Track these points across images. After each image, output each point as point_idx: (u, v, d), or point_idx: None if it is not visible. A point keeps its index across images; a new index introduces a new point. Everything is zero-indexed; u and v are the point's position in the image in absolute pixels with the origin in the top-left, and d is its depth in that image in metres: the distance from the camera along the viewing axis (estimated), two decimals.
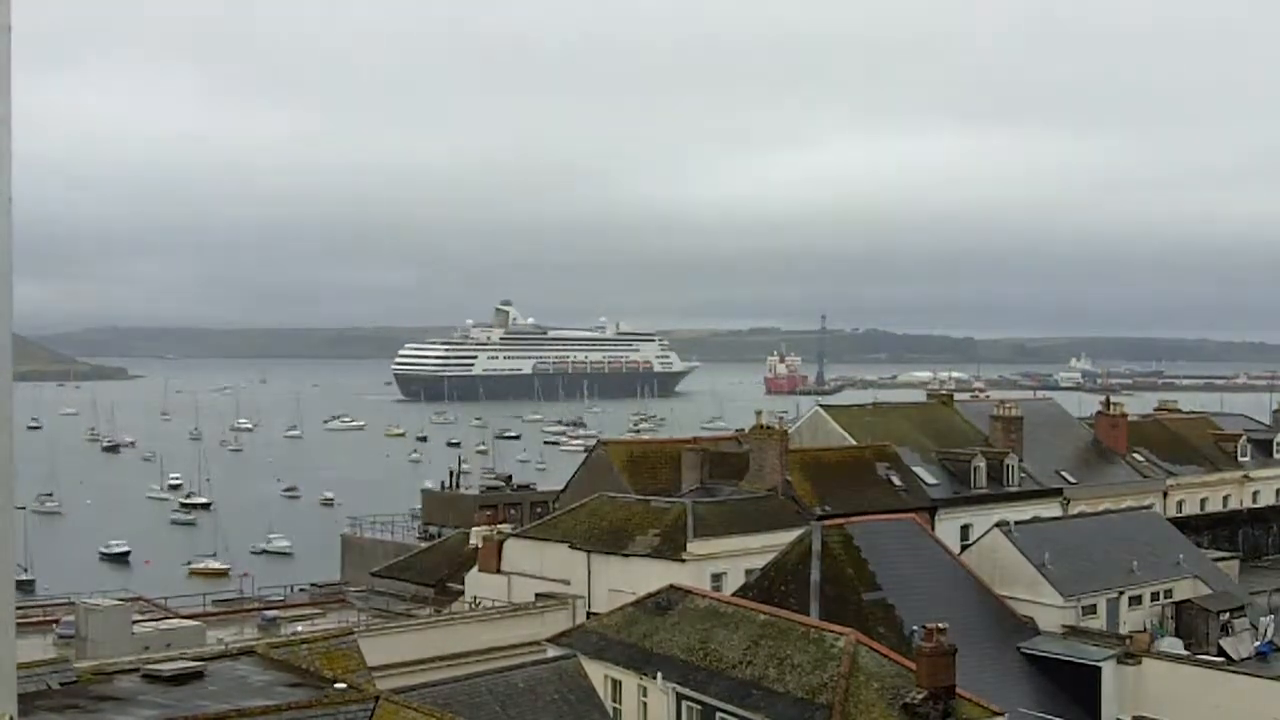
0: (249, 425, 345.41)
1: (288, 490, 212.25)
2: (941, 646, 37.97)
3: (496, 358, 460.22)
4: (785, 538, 56.17)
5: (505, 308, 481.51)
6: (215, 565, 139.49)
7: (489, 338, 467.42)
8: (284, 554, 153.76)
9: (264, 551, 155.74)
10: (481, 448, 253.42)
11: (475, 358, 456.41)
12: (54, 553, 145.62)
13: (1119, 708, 50.02)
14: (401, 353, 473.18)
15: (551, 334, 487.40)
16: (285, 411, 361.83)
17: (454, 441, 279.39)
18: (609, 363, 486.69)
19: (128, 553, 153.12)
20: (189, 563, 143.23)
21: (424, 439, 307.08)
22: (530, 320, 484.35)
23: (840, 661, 40.28)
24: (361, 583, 78.28)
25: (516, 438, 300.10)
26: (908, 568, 53.40)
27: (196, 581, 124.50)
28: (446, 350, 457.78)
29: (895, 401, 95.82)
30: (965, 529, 69.72)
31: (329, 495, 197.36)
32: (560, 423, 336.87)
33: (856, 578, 51.82)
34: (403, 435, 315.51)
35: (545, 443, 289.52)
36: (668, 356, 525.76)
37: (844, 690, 39.01)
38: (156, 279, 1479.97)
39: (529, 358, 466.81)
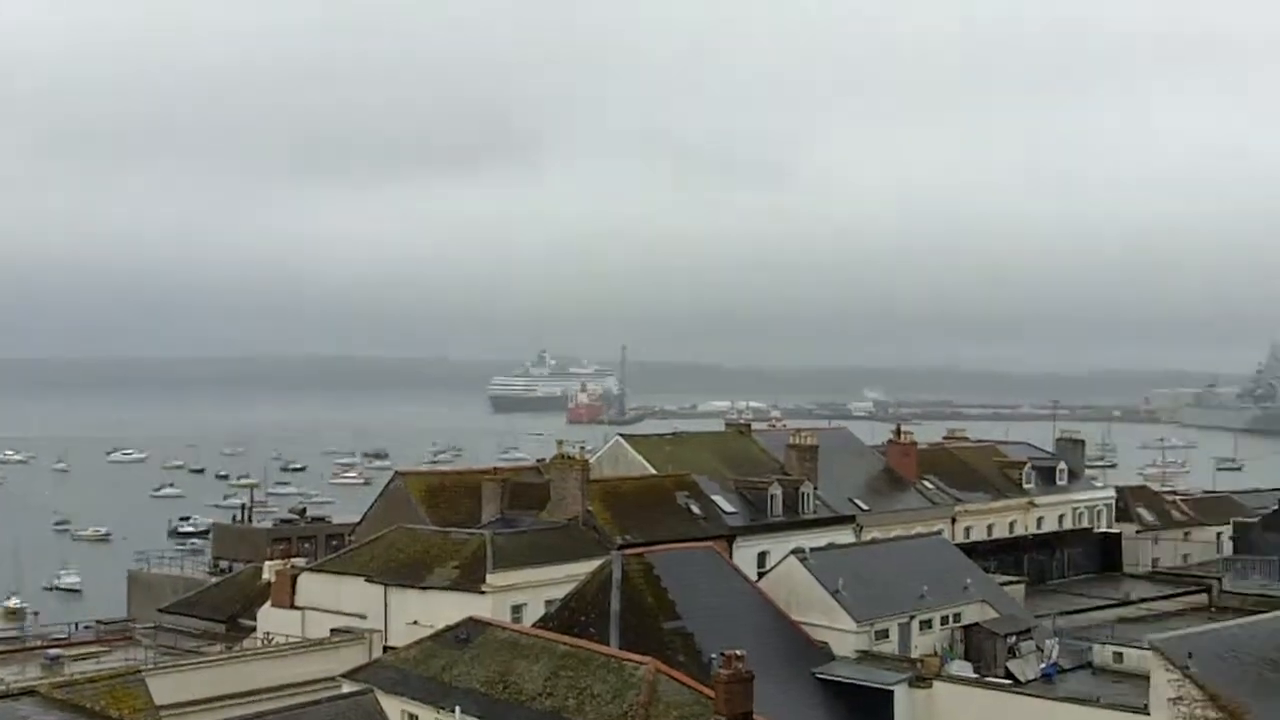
0: (17, 458, 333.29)
1: (59, 525, 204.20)
2: (739, 674, 38.28)
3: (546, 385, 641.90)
4: (586, 568, 56.11)
5: (543, 353, 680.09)
6: (13, 604, 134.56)
7: (541, 373, 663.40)
8: (73, 590, 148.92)
9: (54, 588, 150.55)
10: (247, 480, 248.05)
11: (537, 387, 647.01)
12: None
13: None
14: (494, 381, 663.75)
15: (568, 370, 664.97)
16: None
17: (222, 474, 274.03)
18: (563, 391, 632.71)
19: None
20: None
21: (200, 471, 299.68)
22: (554, 361, 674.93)
23: (640, 690, 40.45)
24: (149, 619, 75.91)
25: (302, 469, 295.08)
26: (707, 596, 53.87)
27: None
28: (526, 381, 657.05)
29: (694, 431, 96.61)
30: (762, 556, 70.45)
31: (103, 530, 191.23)
32: (364, 454, 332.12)
33: (656, 606, 52.11)
34: (180, 467, 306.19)
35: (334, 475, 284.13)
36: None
37: (644, 719, 39.11)
38: None
39: (558, 385, 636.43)
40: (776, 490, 74.85)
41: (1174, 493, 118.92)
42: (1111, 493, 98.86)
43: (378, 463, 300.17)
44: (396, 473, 79.02)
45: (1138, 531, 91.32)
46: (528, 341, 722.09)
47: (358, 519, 79.86)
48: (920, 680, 51.83)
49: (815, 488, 77.48)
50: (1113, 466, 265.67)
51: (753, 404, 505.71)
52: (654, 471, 75.06)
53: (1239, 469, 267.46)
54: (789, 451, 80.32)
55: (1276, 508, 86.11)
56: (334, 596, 61.67)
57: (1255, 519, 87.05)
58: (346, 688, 45.40)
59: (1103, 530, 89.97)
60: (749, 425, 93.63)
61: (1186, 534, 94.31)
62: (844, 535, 75.57)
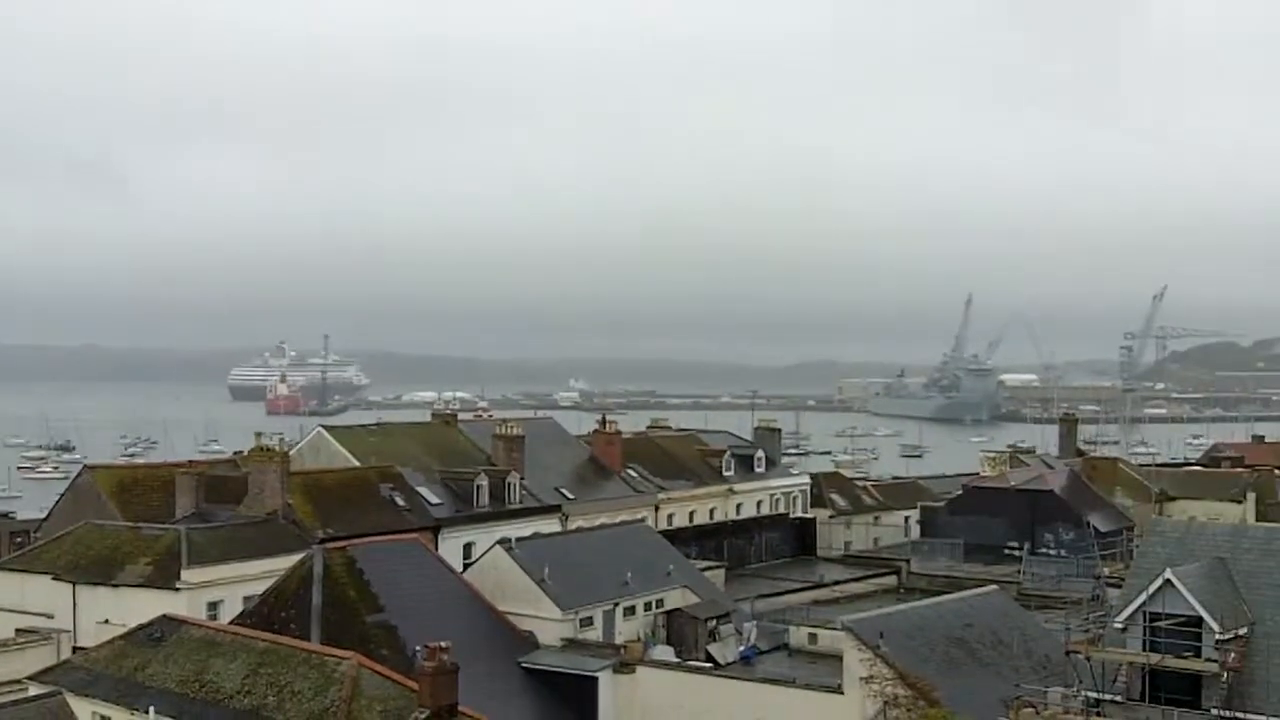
0: None
1: None
2: (444, 665, 38.11)
3: (289, 376, 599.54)
4: (286, 562, 55.25)
5: (282, 344, 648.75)
6: None
7: (280, 364, 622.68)
8: None
9: None
10: None
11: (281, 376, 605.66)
12: None
13: (615, 715, 51.76)
14: (234, 372, 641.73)
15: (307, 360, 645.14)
16: None
17: None
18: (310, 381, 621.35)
19: None
20: None
21: None
22: (294, 352, 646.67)
23: (342, 686, 40.03)
24: None
25: None
26: (411, 588, 53.53)
27: None
28: (265, 371, 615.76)
29: (399, 422, 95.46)
30: (468, 547, 70.36)
31: None
32: (44, 447, 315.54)
33: (359, 600, 51.54)
34: None
35: (20, 469, 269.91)
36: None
37: (346, 715, 38.88)
38: None
39: (299, 375, 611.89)
40: (483, 481, 74.79)
41: (865, 479, 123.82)
42: (806, 479, 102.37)
43: (65, 456, 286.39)
44: (85, 466, 75.97)
45: (831, 516, 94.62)
46: (272, 332, 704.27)
47: (44, 514, 76.48)
48: (624, 666, 52.58)
49: (521, 478, 77.75)
50: (827, 453, 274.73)
51: (459, 394, 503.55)
52: (357, 463, 74.03)
53: (919, 456, 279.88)
54: (495, 442, 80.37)
55: (960, 492, 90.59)
56: (18, 596, 59.75)
57: (940, 503, 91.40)
58: (34, 690, 44.28)
59: (798, 515, 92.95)
60: (455, 416, 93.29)
61: (877, 518, 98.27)
62: (550, 524, 76.07)
